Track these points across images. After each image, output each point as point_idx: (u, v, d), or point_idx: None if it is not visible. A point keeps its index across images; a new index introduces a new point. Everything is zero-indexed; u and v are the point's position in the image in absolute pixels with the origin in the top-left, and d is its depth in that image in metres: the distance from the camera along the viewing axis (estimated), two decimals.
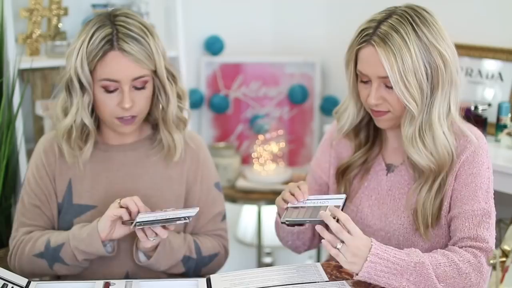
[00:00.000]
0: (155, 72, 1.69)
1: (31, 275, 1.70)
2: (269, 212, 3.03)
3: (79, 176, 1.76)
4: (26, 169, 1.85)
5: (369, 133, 1.74)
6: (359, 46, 1.60)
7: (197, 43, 3.09)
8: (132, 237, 1.68)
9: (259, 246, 2.99)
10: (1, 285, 1.52)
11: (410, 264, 1.46)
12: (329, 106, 3.09)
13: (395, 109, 1.59)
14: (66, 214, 1.75)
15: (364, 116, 1.72)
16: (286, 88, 3.14)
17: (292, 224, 1.66)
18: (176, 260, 1.73)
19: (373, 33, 1.56)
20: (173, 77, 1.75)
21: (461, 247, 1.55)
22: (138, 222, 1.57)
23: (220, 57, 3.13)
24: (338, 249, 1.44)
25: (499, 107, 2.29)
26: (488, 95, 2.42)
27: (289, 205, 1.60)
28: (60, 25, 2.65)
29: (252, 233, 3.06)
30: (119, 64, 1.63)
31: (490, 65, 2.42)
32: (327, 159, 1.82)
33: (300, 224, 1.66)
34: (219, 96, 3.13)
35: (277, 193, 2.86)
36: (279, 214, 1.68)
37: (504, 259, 1.12)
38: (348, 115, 1.71)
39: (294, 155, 3.18)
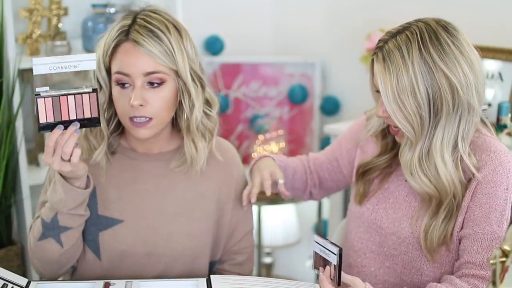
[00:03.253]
0: (177, 72, 1.57)
1: (50, 265, 1.62)
2: (269, 212, 3.03)
3: (104, 185, 1.65)
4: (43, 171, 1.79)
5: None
6: (372, 58, 1.56)
7: (197, 43, 3.06)
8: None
9: (259, 246, 2.99)
10: (1, 285, 1.52)
11: None
12: (329, 106, 3.09)
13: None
14: (92, 226, 1.64)
15: None
16: (286, 88, 3.14)
17: None
18: None
19: (382, 47, 1.51)
20: (200, 81, 1.62)
21: (464, 275, 1.51)
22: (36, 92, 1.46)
23: (220, 57, 3.13)
24: None
25: (499, 107, 2.28)
26: (488, 95, 2.42)
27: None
28: (60, 25, 2.65)
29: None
30: (130, 56, 1.52)
31: (490, 65, 2.42)
32: (362, 144, 1.78)
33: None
34: (219, 96, 3.12)
35: (277, 193, 2.88)
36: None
37: (504, 259, 1.12)
38: (375, 121, 1.69)
39: (294, 155, 3.17)
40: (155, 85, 1.55)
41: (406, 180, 1.63)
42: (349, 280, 1.45)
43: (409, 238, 1.60)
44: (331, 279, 1.45)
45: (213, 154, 1.71)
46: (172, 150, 1.70)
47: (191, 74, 1.59)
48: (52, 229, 1.59)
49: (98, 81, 1.58)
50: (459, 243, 1.56)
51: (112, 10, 2.64)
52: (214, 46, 3.09)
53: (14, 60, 2.39)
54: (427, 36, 1.48)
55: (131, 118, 1.56)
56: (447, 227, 1.54)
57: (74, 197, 1.55)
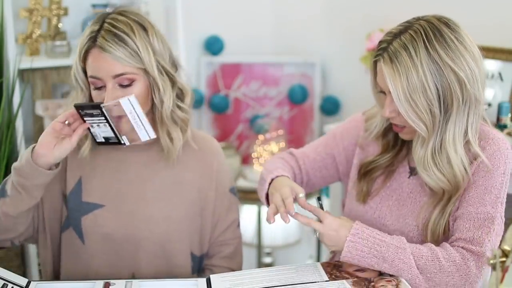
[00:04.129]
0: (145, 70, 1.65)
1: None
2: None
3: (90, 175, 1.75)
4: None
5: (397, 135, 1.68)
6: (375, 59, 1.56)
7: (197, 43, 3.10)
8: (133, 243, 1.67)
9: (259, 246, 2.99)
10: (1, 285, 1.52)
11: (391, 246, 1.49)
12: (329, 106, 3.09)
13: (408, 125, 1.55)
14: (75, 211, 1.73)
15: None
16: (286, 88, 3.14)
17: None
18: None
19: (386, 48, 1.51)
20: (168, 75, 1.69)
21: (453, 246, 1.53)
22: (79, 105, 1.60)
23: (220, 57, 3.13)
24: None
25: (499, 107, 2.28)
26: (488, 95, 2.42)
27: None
28: (60, 25, 2.65)
29: (252, 233, 3.06)
30: (98, 61, 1.62)
31: (490, 65, 2.42)
32: (354, 141, 1.78)
33: None
34: (219, 96, 3.13)
35: None
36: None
37: (504, 259, 1.12)
38: (377, 121, 1.69)
39: None
40: (125, 85, 1.63)
41: (409, 177, 1.65)
42: (321, 214, 1.58)
43: (413, 231, 1.62)
44: None
45: (189, 144, 1.77)
46: (156, 140, 1.75)
47: (159, 70, 1.67)
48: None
49: (78, 82, 1.68)
50: (453, 225, 1.58)
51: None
52: (214, 46, 3.09)
53: (14, 60, 2.39)
54: (432, 34, 1.49)
55: None
56: (445, 221, 1.57)
57: (35, 174, 1.61)
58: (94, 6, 2.66)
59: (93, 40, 1.62)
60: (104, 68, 1.61)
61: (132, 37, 1.63)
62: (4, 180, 1.69)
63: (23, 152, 1.65)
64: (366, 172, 1.72)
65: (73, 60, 1.69)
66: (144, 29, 1.66)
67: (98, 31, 1.63)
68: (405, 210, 1.65)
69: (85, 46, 1.63)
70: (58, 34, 2.65)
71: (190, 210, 1.77)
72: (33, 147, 1.61)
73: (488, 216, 1.53)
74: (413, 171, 1.67)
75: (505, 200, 1.58)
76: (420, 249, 1.51)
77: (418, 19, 1.54)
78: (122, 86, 1.63)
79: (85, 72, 1.66)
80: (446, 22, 1.52)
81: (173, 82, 1.70)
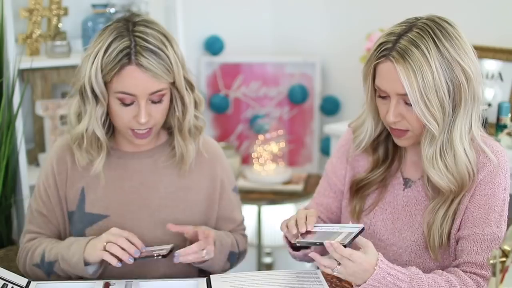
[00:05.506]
0: (173, 83, 1.63)
1: (36, 279, 1.69)
2: (269, 212, 3.03)
3: (92, 184, 1.71)
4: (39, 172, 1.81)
5: (388, 148, 1.66)
6: (377, 61, 1.49)
7: (197, 43, 3.10)
8: None
9: (259, 246, 2.99)
10: (1, 285, 1.52)
11: (407, 283, 1.43)
12: (329, 106, 3.09)
13: (414, 127, 1.51)
14: (78, 223, 1.71)
15: (383, 131, 1.63)
16: (286, 88, 3.14)
17: (298, 247, 1.61)
18: (225, 258, 1.73)
19: (392, 47, 1.46)
20: (191, 86, 1.68)
21: (465, 272, 1.50)
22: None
23: (220, 57, 3.13)
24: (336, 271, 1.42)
25: (499, 107, 2.28)
26: (488, 95, 2.42)
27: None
28: (60, 25, 2.65)
29: (252, 233, 3.06)
30: (136, 79, 1.57)
31: (490, 65, 2.42)
32: (343, 165, 1.74)
33: (307, 247, 1.59)
34: (219, 96, 3.13)
35: (277, 193, 2.89)
36: (285, 236, 1.61)
37: (504, 259, 1.12)
38: (366, 130, 1.63)
39: (294, 155, 3.18)
40: (157, 101, 1.62)
41: (404, 190, 1.63)
42: (361, 239, 1.43)
43: (411, 246, 1.59)
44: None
45: (200, 152, 1.77)
46: (159, 146, 1.76)
47: (185, 83, 1.66)
48: (46, 267, 1.68)
49: (94, 93, 1.61)
50: (456, 244, 1.55)
51: (112, 10, 2.64)
52: (214, 46, 3.09)
53: (14, 60, 2.39)
54: (438, 31, 1.47)
55: (133, 130, 1.64)
56: (452, 222, 1.54)
57: (79, 270, 1.62)
58: (94, 6, 2.66)
59: (128, 57, 1.56)
60: (141, 85, 1.57)
61: (165, 51, 1.59)
62: (49, 262, 1.66)
63: (73, 242, 1.64)
64: (358, 189, 1.68)
65: (83, 67, 1.61)
66: (169, 40, 1.62)
67: (132, 47, 1.56)
68: (400, 223, 1.62)
69: (119, 62, 1.56)
70: (58, 34, 2.65)
71: (196, 214, 1.76)
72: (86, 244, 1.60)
73: (494, 237, 1.51)
74: (407, 184, 1.63)
75: (507, 216, 1.55)
76: (436, 280, 1.46)
77: (417, 18, 1.52)
78: (153, 102, 1.61)
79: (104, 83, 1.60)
80: (446, 20, 1.51)
81: (193, 92, 1.70)
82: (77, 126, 1.66)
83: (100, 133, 1.65)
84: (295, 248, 1.62)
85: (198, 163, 1.77)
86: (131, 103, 1.60)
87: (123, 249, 1.56)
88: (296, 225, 1.54)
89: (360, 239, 1.44)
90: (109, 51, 1.57)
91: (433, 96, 1.45)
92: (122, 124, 1.64)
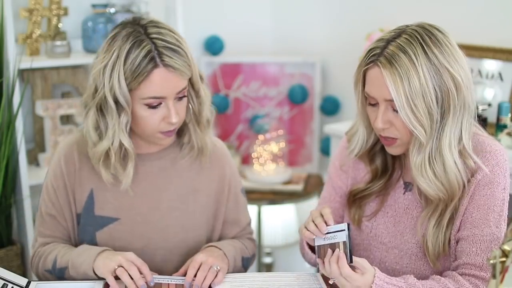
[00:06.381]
0: (190, 78, 1.62)
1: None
2: (269, 212, 3.03)
3: (102, 186, 1.68)
4: (46, 174, 1.78)
5: (386, 159, 1.65)
6: (366, 67, 1.49)
7: (197, 43, 3.10)
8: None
9: (259, 246, 2.99)
10: (1, 285, 1.52)
11: None
12: (329, 106, 3.09)
13: (402, 134, 1.50)
14: (88, 226, 1.69)
15: (378, 141, 1.62)
16: (286, 88, 3.14)
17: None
18: (240, 264, 1.73)
19: (380, 53, 1.46)
20: (201, 78, 1.67)
21: (463, 274, 1.50)
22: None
23: (220, 57, 3.13)
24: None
25: (499, 107, 2.28)
26: (488, 95, 2.42)
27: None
28: (60, 25, 2.65)
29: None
30: (166, 81, 1.54)
31: (490, 65, 2.42)
32: (345, 168, 1.73)
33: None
34: (219, 96, 3.13)
35: (277, 193, 2.89)
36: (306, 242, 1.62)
37: (504, 259, 1.12)
38: (358, 138, 1.63)
39: (294, 155, 3.18)
40: (181, 97, 1.61)
41: (404, 193, 1.62)
42: (357, 262, 1.43)
43: (411, 249, 1.59)
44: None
45: (211, 148, 1.77)
46: (169, 147, 1.74)
47: (199, 76, 1.66)
48: (57, 273, 1.67)
49: (117, 102, 1.57)
50: (456, 244, 1.55)
51: (112, 10, 2.64)
52: (214, 46, 3.09)
53: (14, 60, 2.39)
54: (427, 37, 1.46)
55: (162, 132, 1.62)
56: (448, 232, 1.53)
57: (88, 276, 1.61)
58: (94, 6, 2.66)
59: (153, 61, 1.52)
60: (170, 86, 1.56)
61: (183, 47, 1.58)
62: (60, 268, 1.66)
63: (84, 250, 1.63)
64: (357, 198, 1.68)
65: (98, 80, 1.56)
66: (179, 35, 1.61)
67: (152, 50, 1.53)
68: (402, 226, 1.62)
69: (146, 67, 1.52)
70: (58, 34, 2.65)
71: (205, 216, 1.75)
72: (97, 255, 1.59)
73: (493, 238, 1.50)
74: (407, 187, 1.63)
75: (507, 216, 1.55)
76: (432, 286, 1.46)
77: (407, 26, 1.51)
78: (178, 99, 1.60)
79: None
80: (437, 28, 1.50)
81: (203, 84, 1.70)
82: (101, 143, 1.61)
83: (127, 142, 1.60)
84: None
85: (206, 164, 1.76)
86: (158, 105, 1.57)
87: (132, 278, 1.53)
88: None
89: (355, 261, 1.43)
90: (130, 59, 1.53)
91: (420, 102, 1.44)
92: (150, 129, 1.60)
